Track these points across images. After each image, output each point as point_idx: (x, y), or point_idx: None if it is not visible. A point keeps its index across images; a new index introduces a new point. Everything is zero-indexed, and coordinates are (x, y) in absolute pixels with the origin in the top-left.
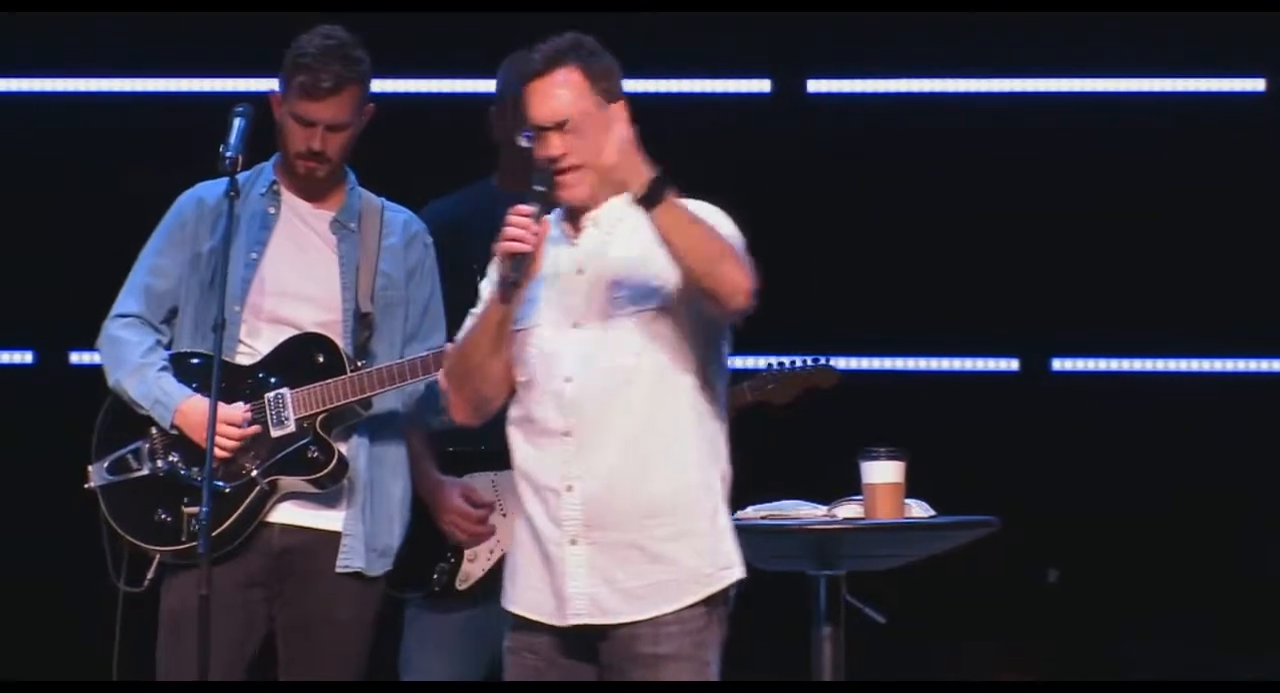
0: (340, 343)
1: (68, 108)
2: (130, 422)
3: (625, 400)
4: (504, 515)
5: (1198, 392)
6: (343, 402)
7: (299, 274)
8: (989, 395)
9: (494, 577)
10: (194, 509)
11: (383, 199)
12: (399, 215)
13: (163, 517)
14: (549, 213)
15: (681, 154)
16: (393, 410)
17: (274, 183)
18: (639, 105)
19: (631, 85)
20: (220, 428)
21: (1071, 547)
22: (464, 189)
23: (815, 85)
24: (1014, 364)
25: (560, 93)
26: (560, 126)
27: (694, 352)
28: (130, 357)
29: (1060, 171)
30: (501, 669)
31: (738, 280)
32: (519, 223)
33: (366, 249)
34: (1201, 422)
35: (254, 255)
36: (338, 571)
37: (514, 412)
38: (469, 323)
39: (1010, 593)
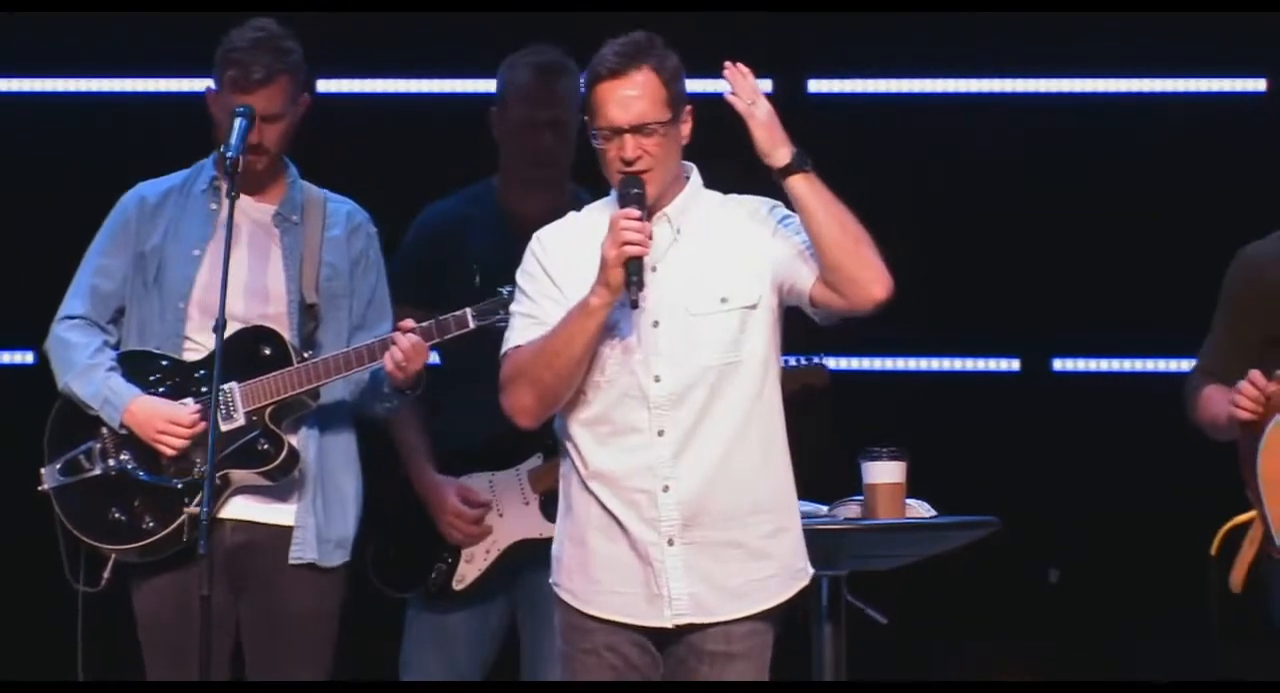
0: (286, 335)
1: (68, 108)
2: (81, 423)
3: (720, 398)
4: (500, 516)
5: None
6: (291, 393)
7: (243, 269)
8: (989, 395)
9: (491, 577)
10: (195, 509)
11: (324, 191)
12: (342, 206)
13: (117, 516)
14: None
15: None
16: (340, 401)
17: (214, 179)
18: None
19: None
20: (168, 428)
21: (1071, 547)
22: (464, 189)
23: (816, 85)
24: (1014, 364)
25: (636, 95)
26: (635, 130)
27: (770, 348)
28: (78, 358)
29: (1060, 171)
30: (492, 668)
31: (879, 266)
32: (633, 226)
33: (310, 241)
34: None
35: (197, 253)
36: (291, 562)
37: (582, 412)
38: (525, 326)
39: (1010, 593)
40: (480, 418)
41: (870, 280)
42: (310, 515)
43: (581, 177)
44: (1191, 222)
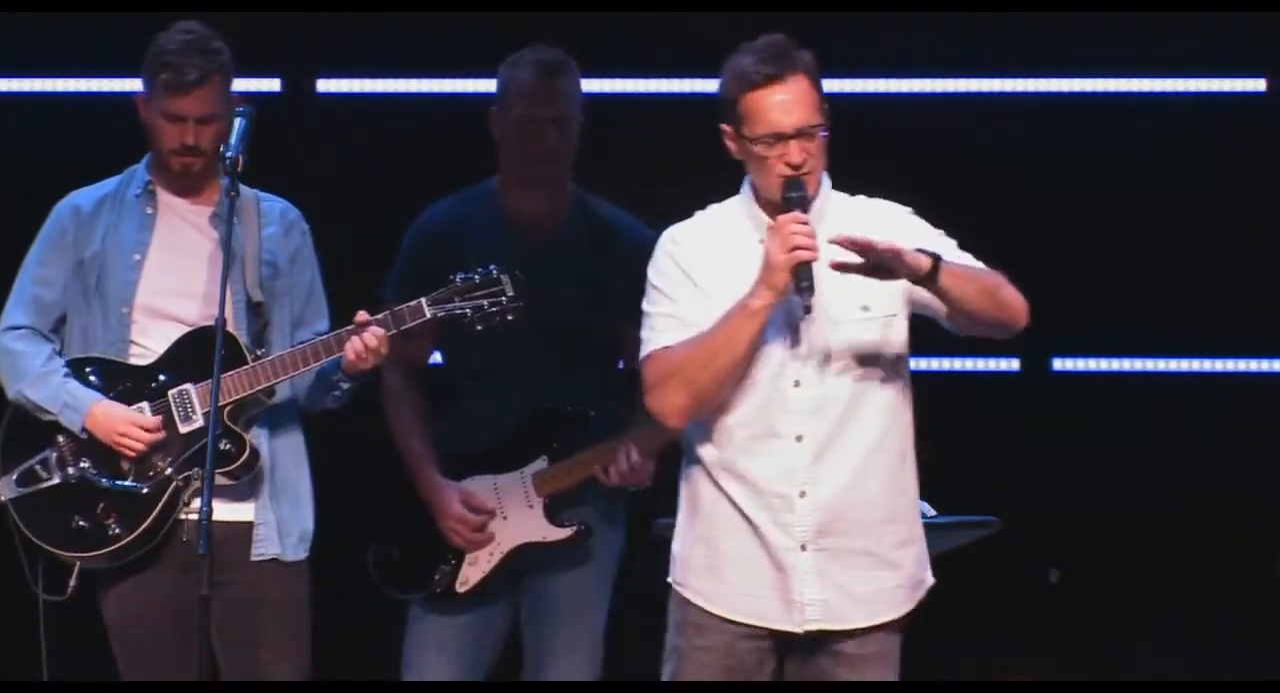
0: (236, 334)
1: (68, 108)
2: (34, 432)
3: (859, 407)
4: (505, 519)
5: (1198, 392)
6: (248, 392)
7: (183, 271)
8: (989, 395)
9: (494, 579)
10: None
11: (255, 190)
12: (275, 204)
13: (80, 524)
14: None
15: (681, 153)
16: (288, 397)
17: (149, 183)
18: (640, 105)
19: (631, 85)
20: (130, 430)
21: (1071, 547)
22: (464, 190)
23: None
24: (1014, 364)
25: (795, 100)
26: (799, 134)
27: (905, 358)
28: (30, 366)
29: (1060, 171)
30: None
31: (1018, 302)
32: (803, 230)
33: (248, 240)
34: (1201, 422)
35: (137, 257)
36: (254, 558)
37: (721, 414)
38: (670, 326)
39: (1010, 593)
40: (484, 421)
41: (1013, 318)
42: (270, 511)
43: (582, 176)
44: (1191, 221)
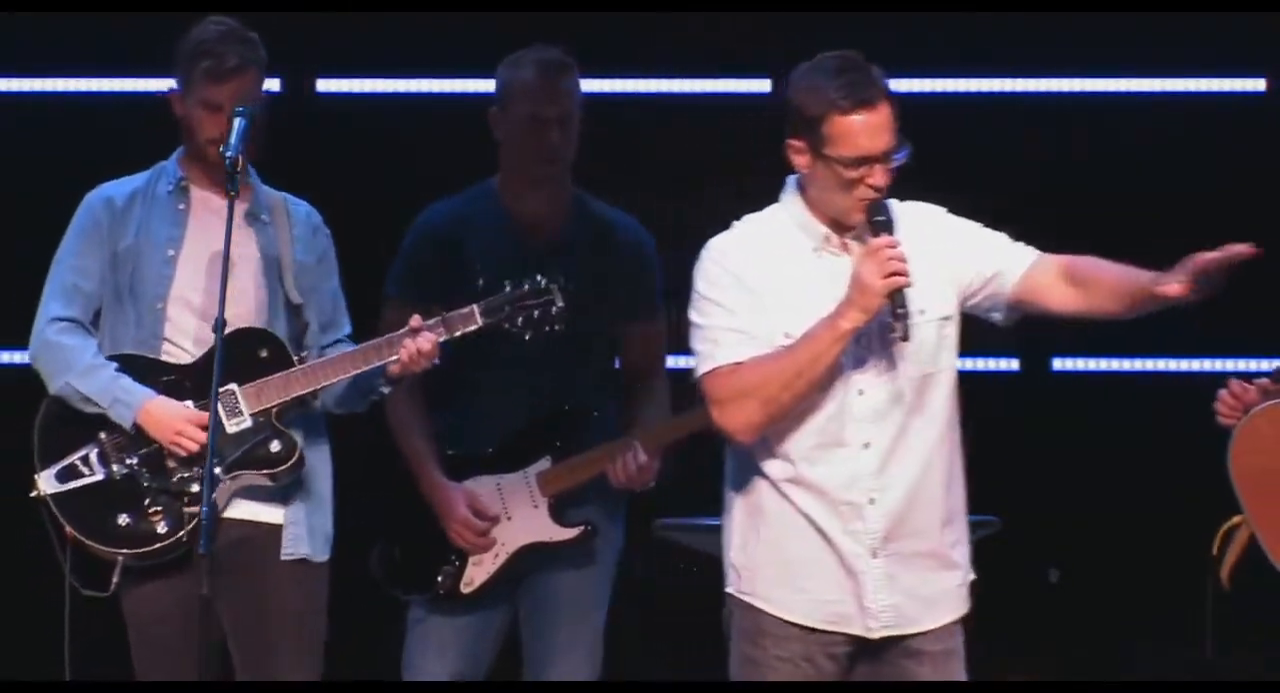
0: (277, 334)
1: (68, 108)
2: (75, 426)
3: (919, 411)
4: (509, 519)
5: (1197, 392)
6: (300, 393)
7: (217, 268)
8: (989, 395)
9: (498, 580)
10: (193, 508)
11: (279, 191)
12: (300, 207)
13: (125, 521)
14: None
15: (681, 153)
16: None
17: (181, 179)
18: (639, 105)
19: (630, 85)
20: (186, 429)
21: (1071, 547)
22: (465, 190)
23: None
24: (1014, 364)
25: (885, 126)
26: (884, 158)
27: (955, 355)
28: (79, 359)
29: (1060, 171)
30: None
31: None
32: (899, 255)
33: (283, 242)
34: (1201, 422)
35: (171, 253)
36: (283, 558)
37: (791, 423)
38: (737, 341)
39: (1010, 593)
40: (487, 421)
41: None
42: (300, 511)
43: (582, 176)
44: (1191, 221)
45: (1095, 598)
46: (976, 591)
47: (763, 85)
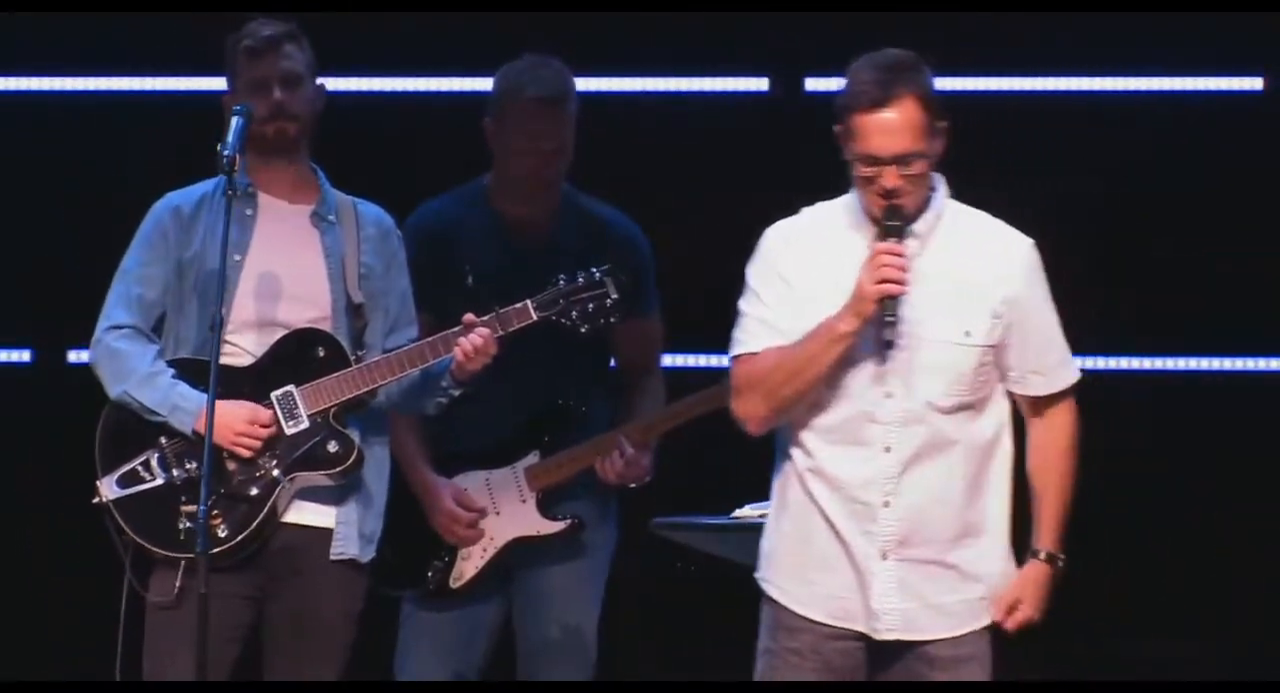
0: (336, 336)
1: (68, 108)
2: (134, 433)
3: (953, 426)
4: (498, 514)
5: (1198, 391)
6: (356, 393)
7: (284, 272)
8: None
9: (488, 575)
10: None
11: (350, 196)
12: (370, 209)
13: (187, 525)
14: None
15: (680, 152)
16: (380, 401)
17: (248, 185)
18: (639, 104)
19: (630, 84)
20: (248, 429)
21: (1071, 547)
22: (455, 189)
23: (813, 83)
24: None
25: (899, 126)
26: (897, 160)
27: (996, 373)
28: (137, 367)
29: (1058, 170)
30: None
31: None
32: (895, 263)
33: (348, 241)
34: (1202, 421)
35: (237, 257)
36: (332, 558)
37: (812, 417)
38: (760, 332)
39: None
40: (476, 416)
41: None
42: (353, 512)
43: (582, 176)
44: (1189, 220)
45: (1094, 598)
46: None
47: (760, 84)
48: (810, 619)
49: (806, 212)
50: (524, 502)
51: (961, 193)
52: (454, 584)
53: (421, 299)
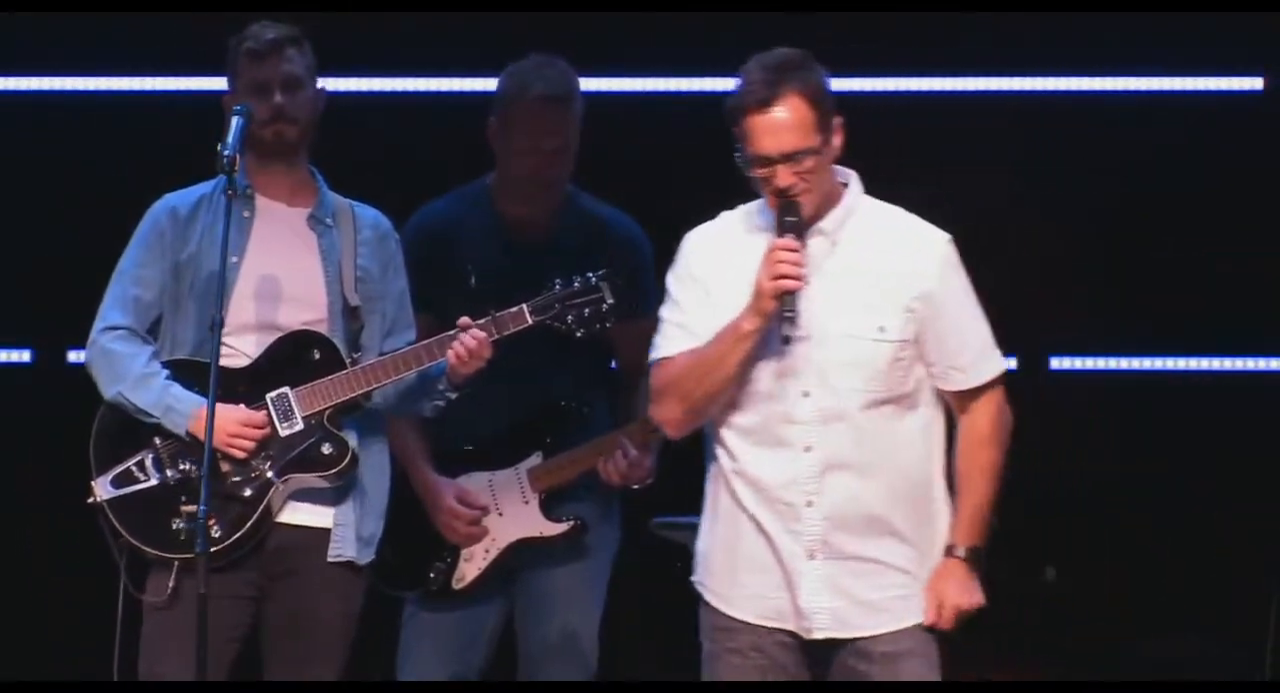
0: (331, 338)
1: (68, 108)
2: (129, 434)
3: (875, 423)
4: (500, 515)
5: (1197, 391)
6: (351, 395)
7: (281, 275)
8: None
9: (490, 576)
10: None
11: (347, 198)
12: (368, 213)
13: (179, 525)
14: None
15: (680, 152)
16: (377, 403)
17: (247, 187)
18: (640, 105)
19: (632, 84)
20: (241, 430)
21: (1070, 547)
22: (457, 189)
23: None
24: (1012, 363)
25: (785, 124)
26: (787, 158)
27: (925, 378)
28: (131, 368)
29: (1058, 170)
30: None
31: (1000, 467)
32: (790, 259)
33: (345, 244)
34: (1201, 421)
35: (234, 259)
36: (330, 560)
37: (734, 419)
38: (676, 336)
39: (1007, 592)
40: (479, 417)
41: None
42: (350, 514)
43: (582, 176)
44: (1189, 220)
45: (1092, 597)
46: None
47: None
48: (742, 621)
49: (724, 215)
50: (527, 503)
51: (961, 192)
52: (456, 585)
53: (424, 300)
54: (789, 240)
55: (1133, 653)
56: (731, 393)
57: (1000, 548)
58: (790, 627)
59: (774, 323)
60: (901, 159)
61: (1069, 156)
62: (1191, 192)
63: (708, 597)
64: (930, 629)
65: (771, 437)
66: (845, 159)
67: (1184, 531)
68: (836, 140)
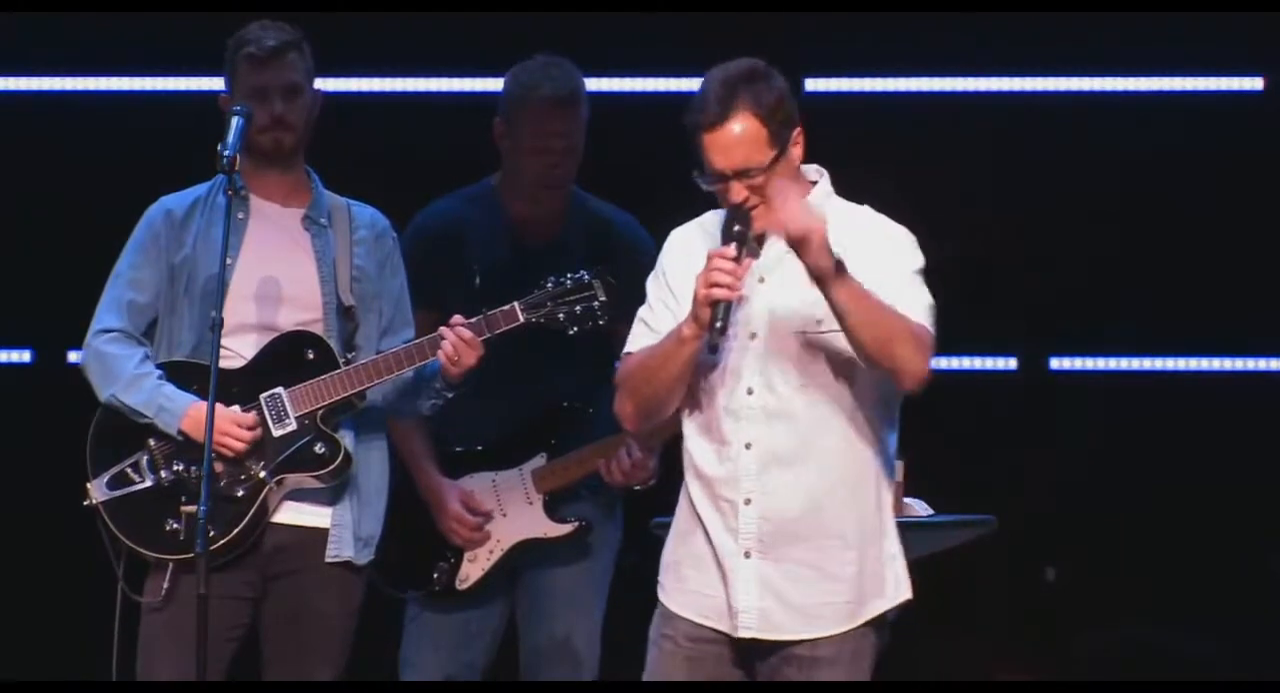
0: (326, 338)
1: (68, 108)
2: (124, 435)
3: (819, 420)
4: (504, 515)
5: (1197, 391)
6: (343, 395)
7: (276, 275)
8: (986, 394)
9: (493, 576)
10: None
11: (345, 198)
12: (364, 212)
13: (173, 526)
14: (748, 252)
15: (682, 152)
16: (374, 402)
17: (242, 188)
18: (639, 105)
19: (631, 84)
20: (231, 430)
21: (1069, 546)
22: (462, 189)
23: (813, 84)
24: (1012, 363)
25: (736, 141)
26: (740, 175)
27: (874, 377)
28: (123, 370)
29: (1058, 170)
30: (491, 668)
31: (911, 366)
32: (724, 268)
33: (340, 244)
34: (1201, 421)
35: (230, 261)
36: (327, 560)
37: (691, 416)
38: (641, 333)
39: (1008, 593)
40: (483, 418)
41: (900, 372)
42: (347, 514)
43: (582, 176)
44: (1189, 220)
45: (1092, 597)
46: (907, 611)
47: None
48: (682, 616)
49: (707, 214)
50: (531, 504)
51: (961, 192)
52: (460, 586)
53: (429, 299)
54: (728, 249)
55: (1133, 653)
56: (680, 394)
57: (1000, 548)
58: (722, 626)
59: (703, 338)
60: (900, 159)
61: (1069, 156)
62: (1191, 191)
63: (659, 591)
64: (861, 637)
65: (717, 433)
66: (853, 158)
67: (1184, 531)
68: (796, 151)
